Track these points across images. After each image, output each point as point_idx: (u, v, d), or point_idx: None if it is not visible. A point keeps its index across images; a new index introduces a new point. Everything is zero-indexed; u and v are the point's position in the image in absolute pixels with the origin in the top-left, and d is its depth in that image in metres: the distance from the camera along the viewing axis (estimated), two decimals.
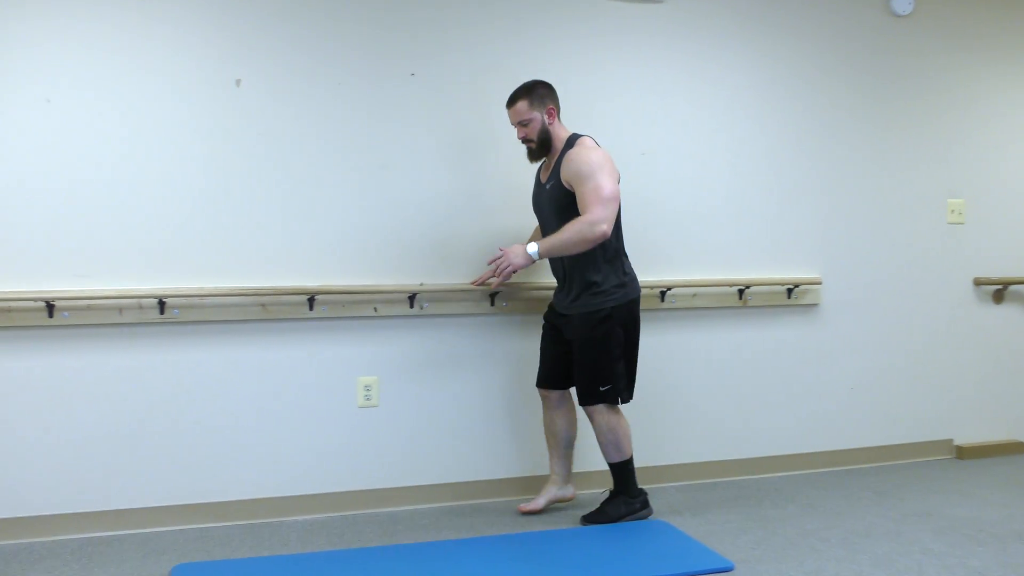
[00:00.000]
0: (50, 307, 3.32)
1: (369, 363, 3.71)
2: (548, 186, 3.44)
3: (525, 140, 3.46)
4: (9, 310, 3.29)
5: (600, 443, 3.52)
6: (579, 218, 3.25)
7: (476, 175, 3.79)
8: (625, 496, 3.54)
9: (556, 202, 3.40)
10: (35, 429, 3.36)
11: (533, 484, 3.84)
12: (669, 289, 3.98)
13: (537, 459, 3.90)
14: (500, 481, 3.88)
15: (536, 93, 3.41)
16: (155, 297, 3.40)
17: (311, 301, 3.58)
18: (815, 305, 4.28)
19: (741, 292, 4.13)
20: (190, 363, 3.48)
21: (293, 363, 3.61)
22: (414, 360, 3.76)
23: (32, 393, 3.35)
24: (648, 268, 3.88)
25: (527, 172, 3.64)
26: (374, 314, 3.67)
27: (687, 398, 4.12)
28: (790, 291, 4.20)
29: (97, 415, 3.41)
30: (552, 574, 3.00)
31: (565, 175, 3.34)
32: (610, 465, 3.54)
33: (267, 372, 3.58)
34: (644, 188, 3.91)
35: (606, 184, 3.24)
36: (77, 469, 3.40)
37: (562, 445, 3.66)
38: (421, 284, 3.69)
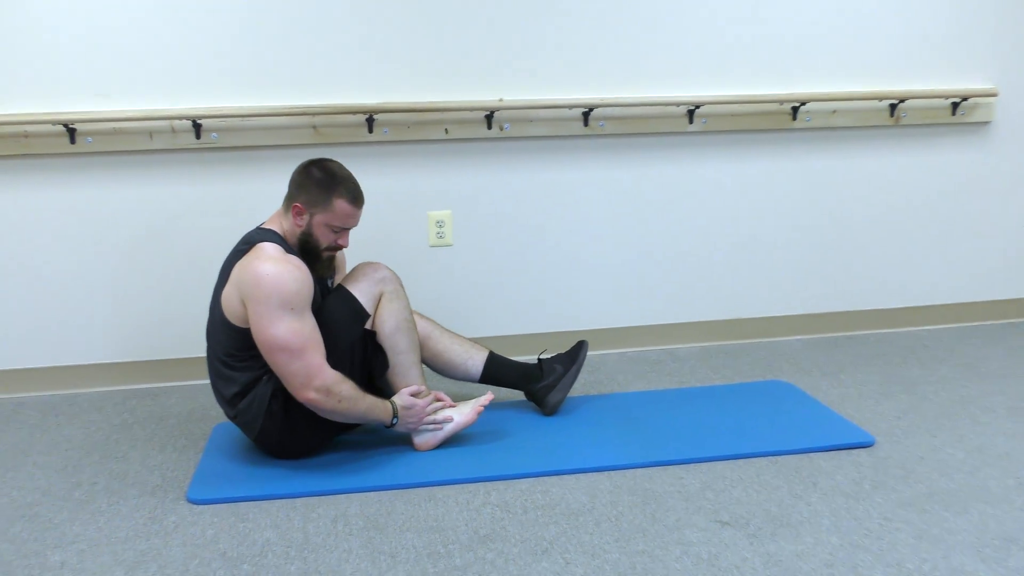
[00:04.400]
0: (71, 131, 2.87)
1: (440, 195, 3.18)
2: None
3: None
4: (26, 135, 2.87)
5: None
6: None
7: None
8: None
9: None
10: (57, 267, 2.99)
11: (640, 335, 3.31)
12: (803, 104, 3.26)
13: (659, 305, 3.37)
14: (590, 332, 3.38)
15: None
16: (189, 119, 2.91)
17: (370, 122, 3.03)
18: (987, 123, 3.48)
19: (893, 108, 3.37)
20: (230, 195, 3.01)
21: None
22: (493, 192, 3.20)
23: (54, 227, 2.96)
24: (775, 78, 3.18)
25: None
26: (445, 137, 3.11)
27: (817, 236, 3.47)
28: (955, 106, 3.41)
29: (124, 252, 3.01)
30: (643, 439, 2.51)
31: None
32: None
33: None
34: None
35: None
36: (110, 314, 3.05)
37: None
38: (500, 100, 3.09)
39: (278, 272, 2.22)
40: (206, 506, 2.25)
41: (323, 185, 2.34)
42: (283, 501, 2.26)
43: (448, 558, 1.98)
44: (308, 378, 2.25)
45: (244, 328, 2.28)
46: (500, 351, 3.23)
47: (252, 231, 2.41)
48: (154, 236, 3.02)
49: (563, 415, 2.76)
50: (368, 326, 2.44)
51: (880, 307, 3.58)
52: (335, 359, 2.34)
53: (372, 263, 2.50)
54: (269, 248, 2.30)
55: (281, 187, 2.45)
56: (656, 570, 1.92)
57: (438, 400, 2.55)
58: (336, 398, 2.28)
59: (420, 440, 2.52)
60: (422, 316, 2.71)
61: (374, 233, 3.15)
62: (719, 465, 2.42)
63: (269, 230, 2.38)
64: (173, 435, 2.69)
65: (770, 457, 2.46)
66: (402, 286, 2.50)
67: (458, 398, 2.68)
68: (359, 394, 2.33)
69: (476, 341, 2.79)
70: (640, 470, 2.40)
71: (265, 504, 2.24)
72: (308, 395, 2.27)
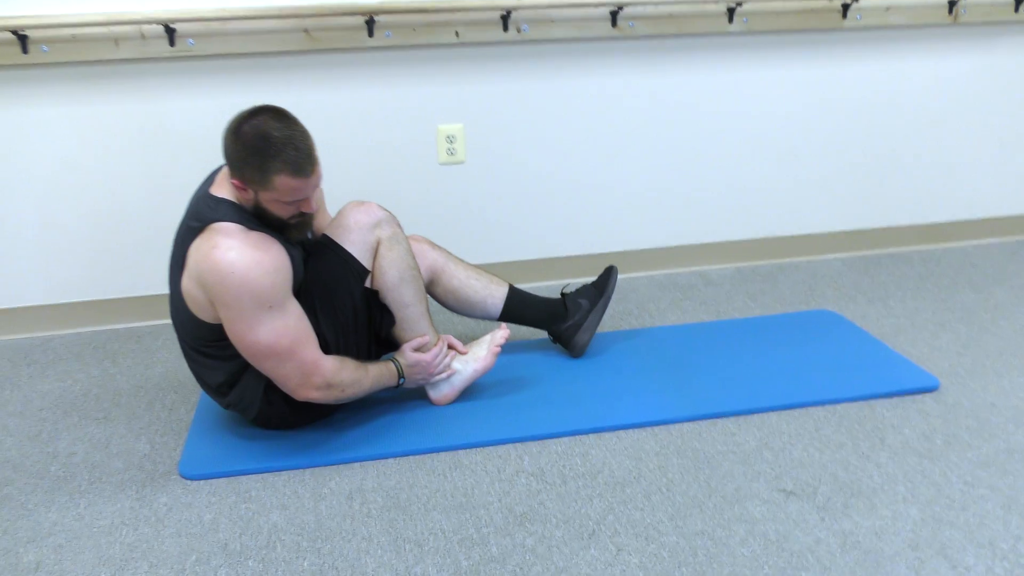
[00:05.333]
0: (22, 39, 2.49)
1: (451, 107, 2.83)
2: None
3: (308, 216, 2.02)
4: None
5: None
6: None
7: None
8: None
9: None
10: (18, 196, 2.65)
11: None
12: (854, 1, 2.89)
13: (689, 225, 3.08)
14: (616, 256, 3.09)
15: None
16: (161, 23, 2.52)
17: (370, 24, 2.65)
18: None
19: (952, 4, 3.00)
20: (211, 110, 2.65)
21: (350, 109, 2.76)
22: (509, 103, 2.86)
23: (10, 150, 2.61)
24: None
25: None
26: (455, 41, 2.73)
27: (861, 146, 3.15)
28: (1019, 2, 3.05)
29: (92, 178, 2.68)
30: (685, 386, 2.26)
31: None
32: None
33: (316, 121, 2.74)
34: None
35: None
36: (85, 248, 2.73)
37: None
38: None
39: (245, 267, 1.82)
40: (202, 482, 1.99)
41: (256, 157, 1.81)
42: (290, 474, 2.01)
43: (482, 545, 1.74)
44: (304, 377, 1.95)
45: (217, 324, 1.95)
46: (517, 277, 2.97)
47: (201, 198, 1.96)
48: (126, 158, 2.67)
49: (592, 356, 2.50)
50: (367, 283, 2.13)
51: (924, 221, 3.30)
52: (336, 330, 2.05)
53: (361, 205, 2.14)
54: (227, 230, 1.85)
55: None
56: (720, 556, 1.69)
57: (449, 347, 2.27)
58: (339, 388, 2.00)
59: (436, 394, 2.26)
60: (433, 246, 2.40)
61: (377, 151, 2.81)
62: (773, 417, 2.18)
63: (222, 200, 1.91)
64: (160, 387, 2.42)
65: (828, 406, 2.22)
66: (399, 226, 2.17)
67: (472, 336, 2.41)
68: (361, 372, 2.05)
69: (491, 271, 2.49)
70: (687, 425, 2.15)
71: (269, 478, 1.99)
72: (308, 394, 1.98)
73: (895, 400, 2.23)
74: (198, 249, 1.87)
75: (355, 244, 2.10)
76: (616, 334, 2.64)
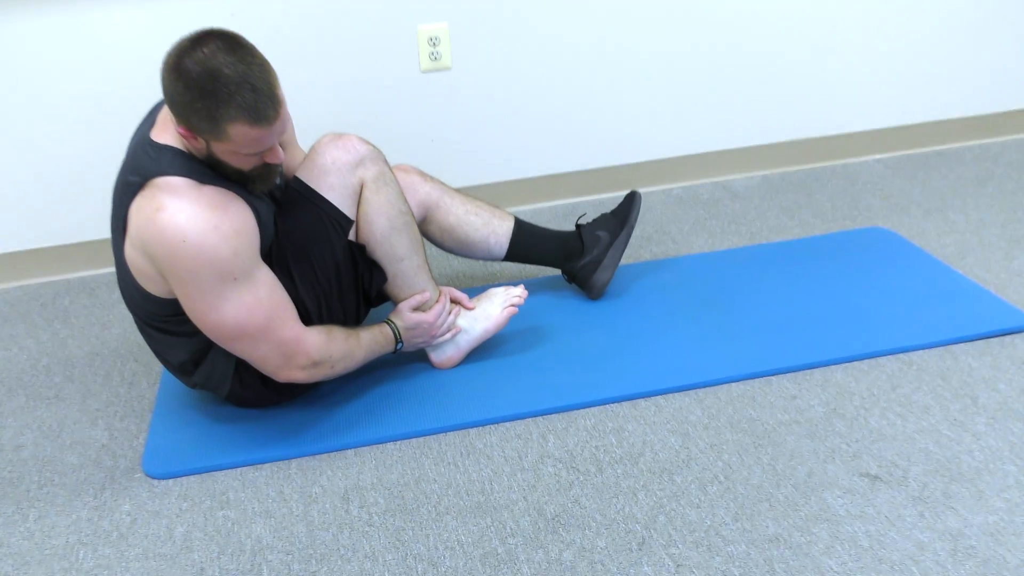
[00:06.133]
0: None
1: (433, 3, 2.40)
2: None
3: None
4: None
5: None
6: None
7: None
8: None
9: None
10: None
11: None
12: None
13: (708, 129, 2.70)
14: (627, 169, 2.72)
15: None
16: None
17: None
18: None
19: None
20: (156, 24, 2.22)
21: (312, 10, 2.32)
22: None
23: None
24: None
25: None
26: None
27: (902, 31, 2.73)
28: None
29: (34, 100, 2.26)
30: (727, 334, 1.94)
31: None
32: None
33: (270, 25, 2.32)
34: None
35: None
36: (29, 188, 2.34)
37: None
38: None
39: (199, 233, 1.45)
40: (170, 481, 1.67)
41: (205, 101, 1.41)
42: (272, 467, 1.69)
43: (510, 563, 1.44)
44: (286, 358, 1.61)
45: (171, 298, 1.59)
46: (516, 199, 2.62)
47: (140, 145, 1.55)
48: (74, 74, 2.25)
49: (613, 297, 2.16)
50: (351, 235, 1.76)
51: (976, 112, 2.91)
52: (317, 296, 1.69)
53: (339, 139, 1.74)
54: (173, 187, 1.47)
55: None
56: (804, 573, 1.39)
57: (452, 301, 1.93)
58: (327, 365, 1.67)
59: (439, 357, 1.92)
60: (424, 177, 2.02)
61: (347, 60, 2.39)
62: (837, 373, 1.85)
63: (165, 148, 1.52)
64: (119, 354, 2.07)
65: (900, 356, 1.89)
66: (386, 163, 1.78)
67: (471, 276, 2.06)
68: (352, 342, 1.71)
69: (486, 193, 2.12)
70: (736, 386, 1.83)
71: (249, 474, 1.67)
72: (291, 375, 1.65)
73: (980, 345, 1.91)
74: (140, 211, 1.50)
75: (334, 189, 1.72)
76: (637, 267, 2.29)
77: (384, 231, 1.75)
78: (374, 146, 1.77)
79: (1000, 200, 2.54)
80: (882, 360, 1.87)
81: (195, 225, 1.45)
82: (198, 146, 1.50)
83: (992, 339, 1.92)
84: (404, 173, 1.96)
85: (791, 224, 2.49)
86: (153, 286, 1.57)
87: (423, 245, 1.85)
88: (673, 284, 2.20)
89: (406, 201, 1.80)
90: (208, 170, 1.53)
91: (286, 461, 1.70)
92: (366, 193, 1.73)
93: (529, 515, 1.53)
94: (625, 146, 2.69)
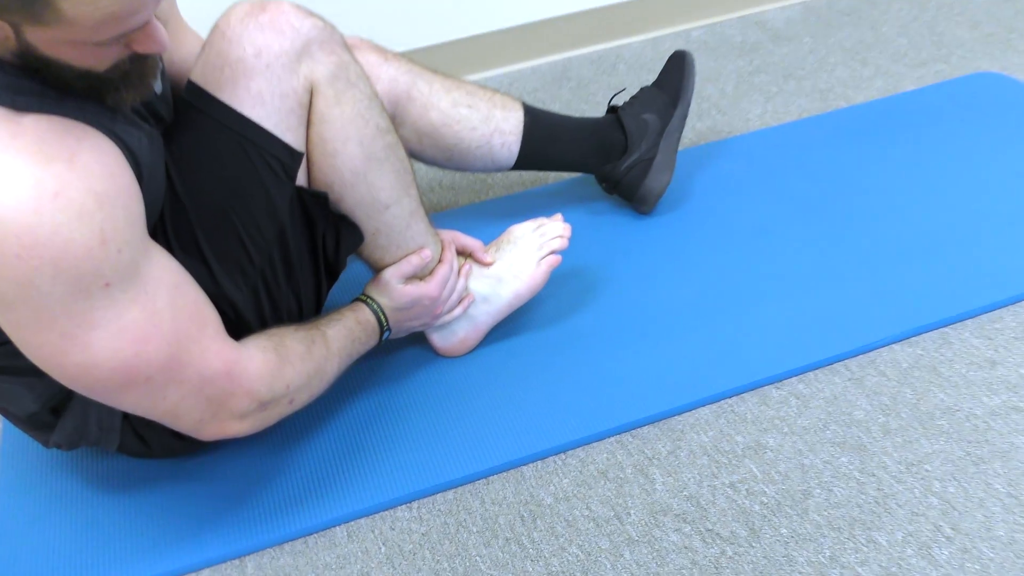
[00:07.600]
0: None
1: None
2: None
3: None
4: None
5: None
6: None
7: None
8: None
9: None
10: None
11: None
12: None
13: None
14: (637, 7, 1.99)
15: None
16: None
17: None
18: None
19: None
20: None
21: None
22: None
23: None
24: None
25: None
26: None
27: None
28: None
29: None
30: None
31: None
32: None
33: None
34: None
35: None
36: None
37: None
38: None
39: (26, 215, 0.72)
40: None
41: None
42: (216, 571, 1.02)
43: None
44: (214, 404, 0.92)
45: None
46: (502, 57, 1.88)
47: None
48: None
49: (669, 210, 1.49)
50: (301, 179, 1.02)
51: None
52: (250, 285, 1.00)
53: (260, 9, 0.97)
54: None
55: None
56: None
57: (460, 254, 1.24)
58: (285, 400, 0.98)
59: (447, 341, 1.25)
60: (384, 54, 1.27)
61: None
62: (1007, 317, 1.26)
63: None
64: None
65: None
66: (345, 46, 1.03)
67: (467, 187, 1.37)
68: (318, 350, 1.02)
69: (472, 54, 1.39)
70: (900, 348, 1.22)
71: None
72: (227, 429, 0.94)
73: None
74: None
75: (264, 101, 0.97)
76: (681, 154, 1.60)
77: (356, 165, 1.02)
78: (322, 18, 1.00)
79: None
80: None
81: (15, 196, 0.72)
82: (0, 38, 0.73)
83: None
84: (358, 52, 1.20)
85: (866, 72, 1.84)
86: None
87: (414, 176, 1.12)
88: (746, 180, 1.55)
89: (384, 108, 1.06)
90: (27, 82, 0.76)
91: (224, 563, 1.03)
92: (320, 104, 0.99)
93: None
94: None
